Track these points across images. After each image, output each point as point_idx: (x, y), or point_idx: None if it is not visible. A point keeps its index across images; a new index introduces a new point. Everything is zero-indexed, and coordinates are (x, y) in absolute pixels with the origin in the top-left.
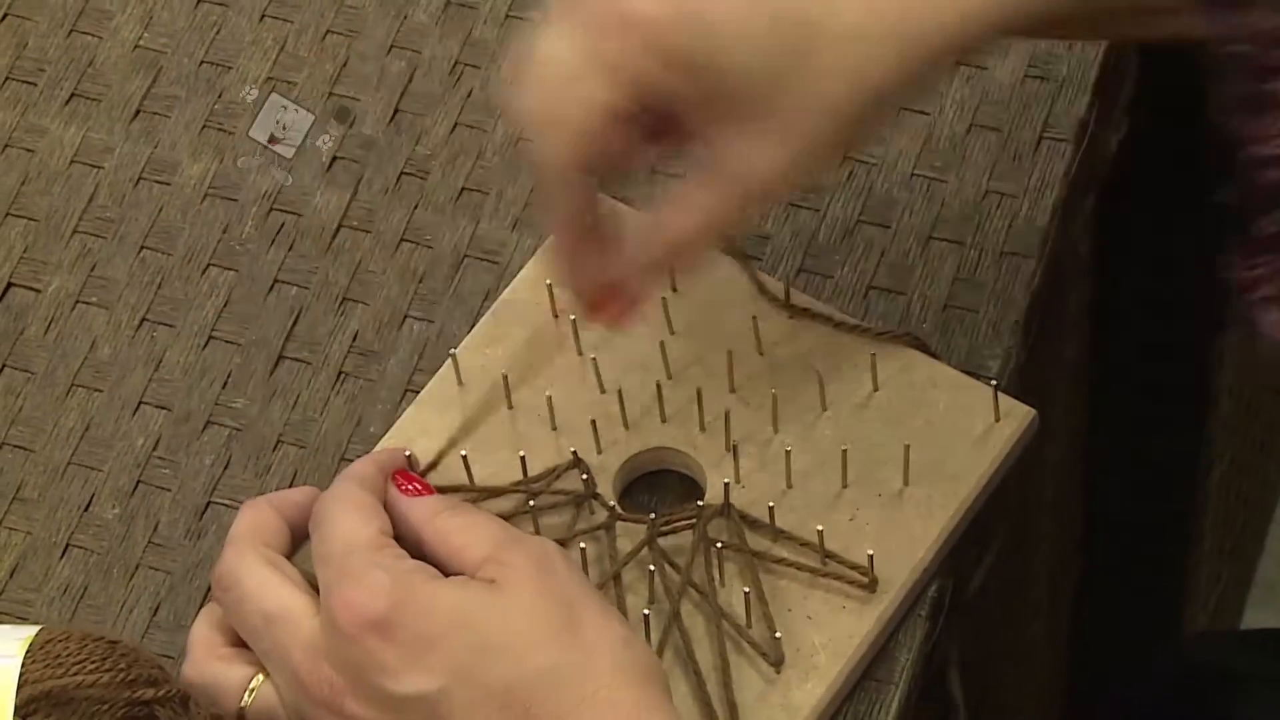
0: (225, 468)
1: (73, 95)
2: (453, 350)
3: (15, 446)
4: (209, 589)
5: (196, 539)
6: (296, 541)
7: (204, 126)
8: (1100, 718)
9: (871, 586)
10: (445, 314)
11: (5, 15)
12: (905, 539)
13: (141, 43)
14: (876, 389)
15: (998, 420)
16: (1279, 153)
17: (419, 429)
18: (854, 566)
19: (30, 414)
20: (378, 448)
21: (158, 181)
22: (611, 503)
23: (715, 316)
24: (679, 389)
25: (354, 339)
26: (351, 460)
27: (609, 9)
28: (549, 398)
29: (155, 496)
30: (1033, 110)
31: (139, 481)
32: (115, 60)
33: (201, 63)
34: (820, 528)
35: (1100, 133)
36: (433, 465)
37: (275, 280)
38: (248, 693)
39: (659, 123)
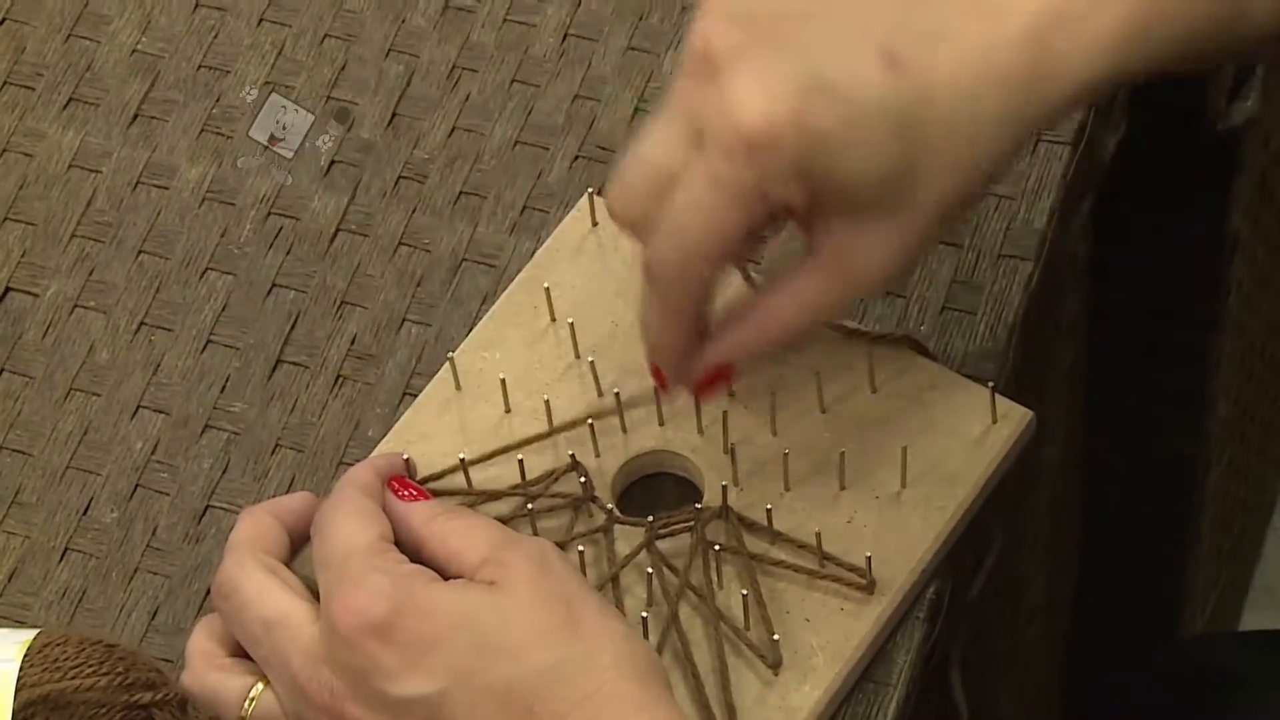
0: (224, 471)
1: (71, 99)
2: (451, 353)
3: (14, 450)
4: (207, 593)
5: (195, 543)
6: (295, 548)
7: (202, 131)
8: (1098, 719)
9: (870, 588)
10: (443, 317)
11: (3, 19)
12: (903, 541)
13: (139, 47)
14: (874, 391)
15: (995, 422)
16: None
17: (417, 433)
18: (852, 568)
19: (29, 418)
20: (376, 451)
21: (156, 186)
22: (609, 506)
23: None
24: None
25: (352, 342)
26: (350, 464)
27: (723, 125)
28: (546, 401)
29: (153, 500)
30: None
31: (137, 485)
32: (113, 64)
33: (199, 67)
34: (818, 530)
35: (1098, 134)
36: (436, 477)
37: (273, 284)
38: (248, 701)
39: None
